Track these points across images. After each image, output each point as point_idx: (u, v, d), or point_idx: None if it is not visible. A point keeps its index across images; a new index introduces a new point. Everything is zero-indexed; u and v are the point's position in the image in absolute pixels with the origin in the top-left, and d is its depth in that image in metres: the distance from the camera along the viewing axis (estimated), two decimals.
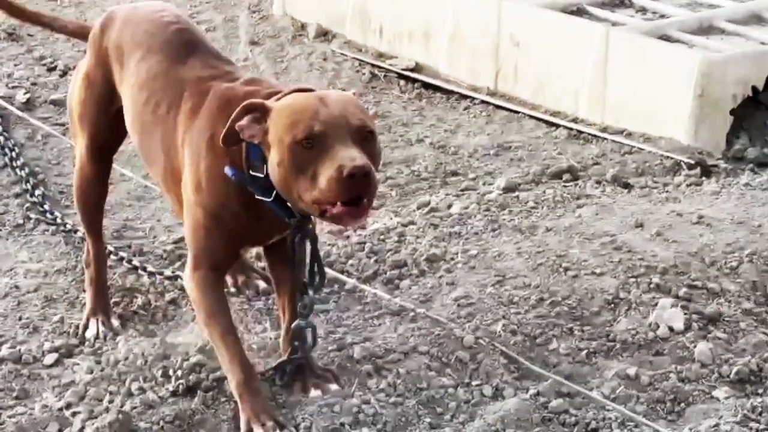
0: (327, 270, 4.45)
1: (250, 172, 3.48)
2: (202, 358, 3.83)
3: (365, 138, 3.37)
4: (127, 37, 3.92)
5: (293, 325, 3.73)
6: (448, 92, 6.45)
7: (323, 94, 3.48)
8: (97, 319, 4.16)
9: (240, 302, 4.28)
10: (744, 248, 4.48)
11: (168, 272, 4.47)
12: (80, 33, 4.32)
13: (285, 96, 3.48)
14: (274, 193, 3.46)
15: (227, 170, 3.50)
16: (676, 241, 4.56)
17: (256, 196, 3.49)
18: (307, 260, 3.69)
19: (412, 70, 6.66)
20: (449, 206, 5.03)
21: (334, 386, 3.72)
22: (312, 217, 3.54)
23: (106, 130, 4.08)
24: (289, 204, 3.47)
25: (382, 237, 4.75)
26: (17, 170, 5.37)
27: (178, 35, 3.85)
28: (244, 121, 3.41)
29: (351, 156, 3.28)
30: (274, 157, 3.38)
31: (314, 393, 3.69)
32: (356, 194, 3.29)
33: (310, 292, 3.69)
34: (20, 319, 4.25)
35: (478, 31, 6.43)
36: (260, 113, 3.41)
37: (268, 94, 3.55)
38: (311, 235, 3.62)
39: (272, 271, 3.90)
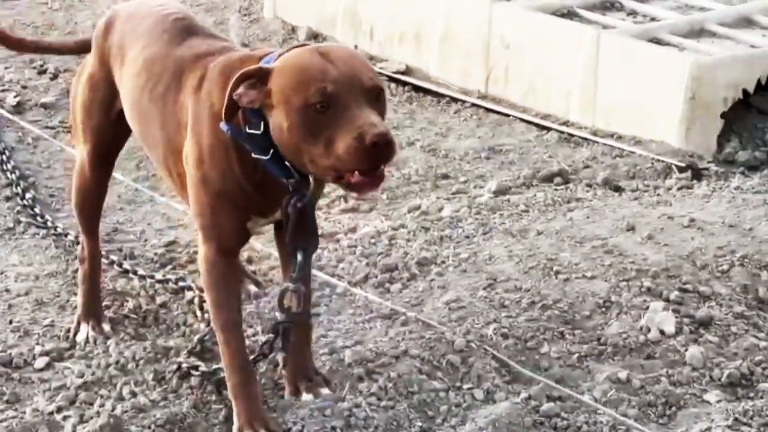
0: (318, 273, 4.46)
1: (247, 129, 3.36)
2: (194, 362, 3.82)
3: (377, 97, 3.26)
4: (128, 33, 3.88)
5: (280, 287, 3.60)
6: (439, 95, 6.44)
7: (324, 49, 3.32)
8: (88, 323, 4.15)
9: None
10: (735, 251, 4.48)
11: (159, 275, 4.46)
12: (83, 47, 4.26)
13: (284, 54, 3.35)
14: (272, 151, 3.34)
15: (222, 126, 3.36)
16: (667, 244, 4.56)
17: (253, 155, 3.37)
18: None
19: (402, 73, 6.66)
20: (440, 209, 5.03)
21: (325, 390, 3.71)
22: (310, 179, 3.44)
23: (110, 133, 4.02)
24: (287, 163, 3.35)
25: (372, 240, 4.74)
26: (7, 173, 5.35)
27: (177, 23, 3.80)
28: (240, 89, 3.29)
29: (370, 122, 3.16)
30: (280, 120, 3.26)
31: (306, 397, 3.68)
32: (377, 163, 3.18)
33: (299, 256, 3.52)
34: (11, 322, 4.24)
35: (469, 33, 6.43)
36: (257, 78, 3.29)
37: (263, 55, 3.44)
38: (308, 199, 3.46)
39: (279, 248, 3.81)
